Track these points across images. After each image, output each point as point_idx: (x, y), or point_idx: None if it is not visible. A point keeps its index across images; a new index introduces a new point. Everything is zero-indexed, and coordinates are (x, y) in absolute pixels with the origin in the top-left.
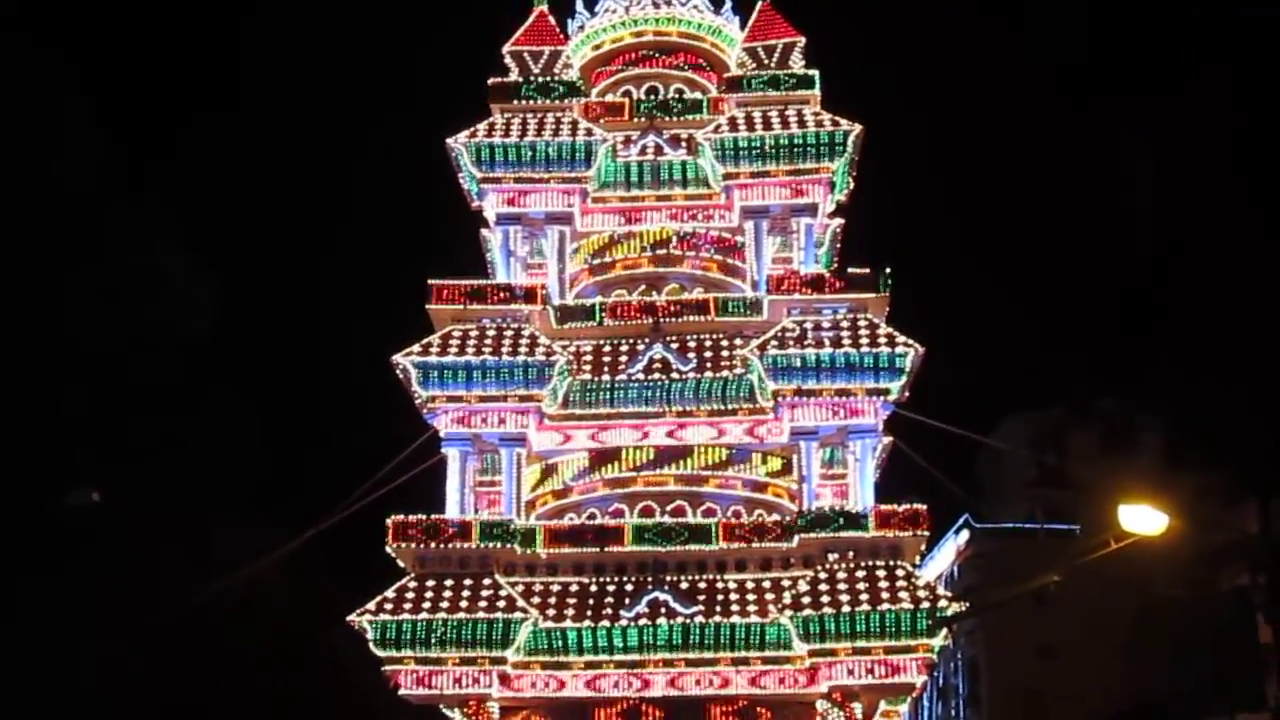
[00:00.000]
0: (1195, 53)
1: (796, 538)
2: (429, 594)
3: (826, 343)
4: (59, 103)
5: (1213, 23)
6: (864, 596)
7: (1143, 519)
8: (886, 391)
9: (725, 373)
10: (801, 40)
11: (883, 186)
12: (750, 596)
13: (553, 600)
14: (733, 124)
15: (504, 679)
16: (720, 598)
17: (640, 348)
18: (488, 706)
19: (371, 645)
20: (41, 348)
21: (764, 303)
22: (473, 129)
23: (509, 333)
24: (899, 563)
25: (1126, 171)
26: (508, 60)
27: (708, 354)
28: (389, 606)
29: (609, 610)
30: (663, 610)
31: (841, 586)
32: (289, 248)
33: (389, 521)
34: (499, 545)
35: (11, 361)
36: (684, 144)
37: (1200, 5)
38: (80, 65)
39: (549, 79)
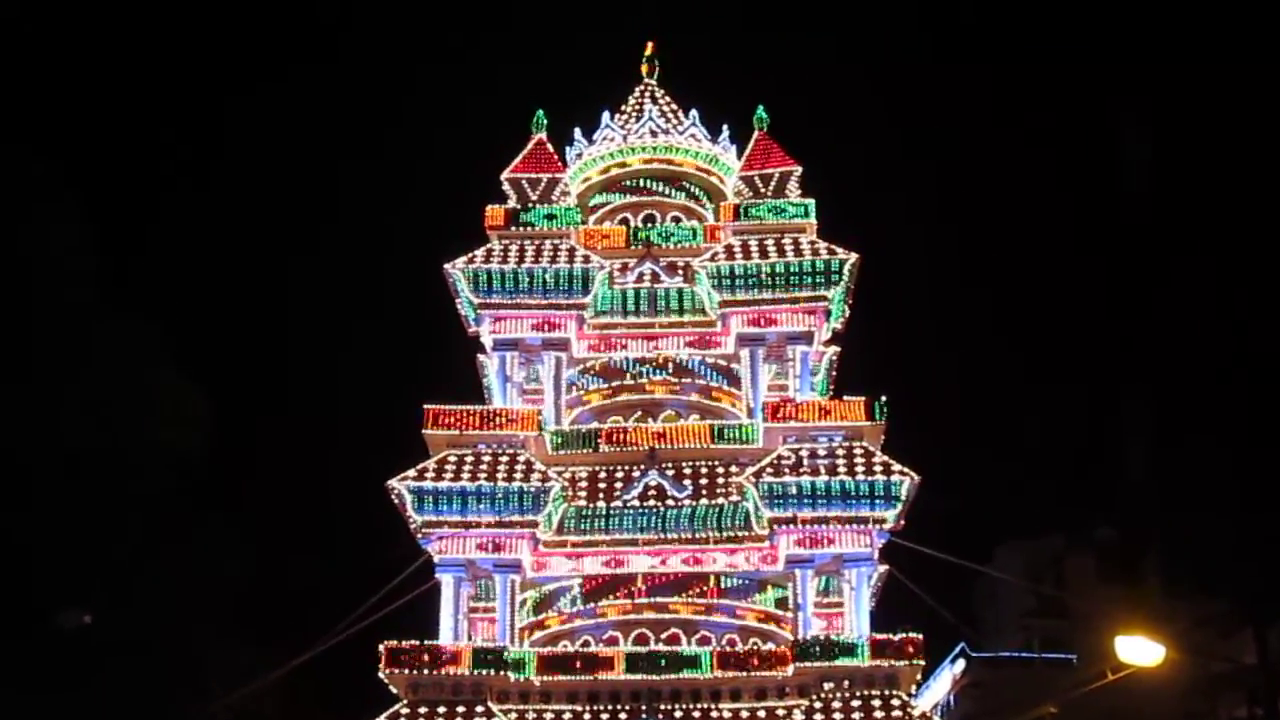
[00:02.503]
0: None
1: (792, 667)
2: None
3: (822, 471)
4: (51, 217)
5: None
6: None
7: (1139, 650)
8: (882, 520)
9: (721, 500)
10: (798, 169)
11: (879, 314)
12: None
13: None
14: (729, 252)
15: None
16: None
17: (636, 474)
18: None
19: None
20: (29, 460)
21: (760, 430)
22: (470, 255)
23: (505, 458)
24: (895, 692)
25: (1122, 318)
26: (506, 187)
27: (703, 481)
28: None
29: None
30: None
31: (837, 716)
32: (285, 372)
33: (382, 647)
34: (492, 672)
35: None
36: (680, 271)
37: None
38: (76, 183)
39: (547, 206)
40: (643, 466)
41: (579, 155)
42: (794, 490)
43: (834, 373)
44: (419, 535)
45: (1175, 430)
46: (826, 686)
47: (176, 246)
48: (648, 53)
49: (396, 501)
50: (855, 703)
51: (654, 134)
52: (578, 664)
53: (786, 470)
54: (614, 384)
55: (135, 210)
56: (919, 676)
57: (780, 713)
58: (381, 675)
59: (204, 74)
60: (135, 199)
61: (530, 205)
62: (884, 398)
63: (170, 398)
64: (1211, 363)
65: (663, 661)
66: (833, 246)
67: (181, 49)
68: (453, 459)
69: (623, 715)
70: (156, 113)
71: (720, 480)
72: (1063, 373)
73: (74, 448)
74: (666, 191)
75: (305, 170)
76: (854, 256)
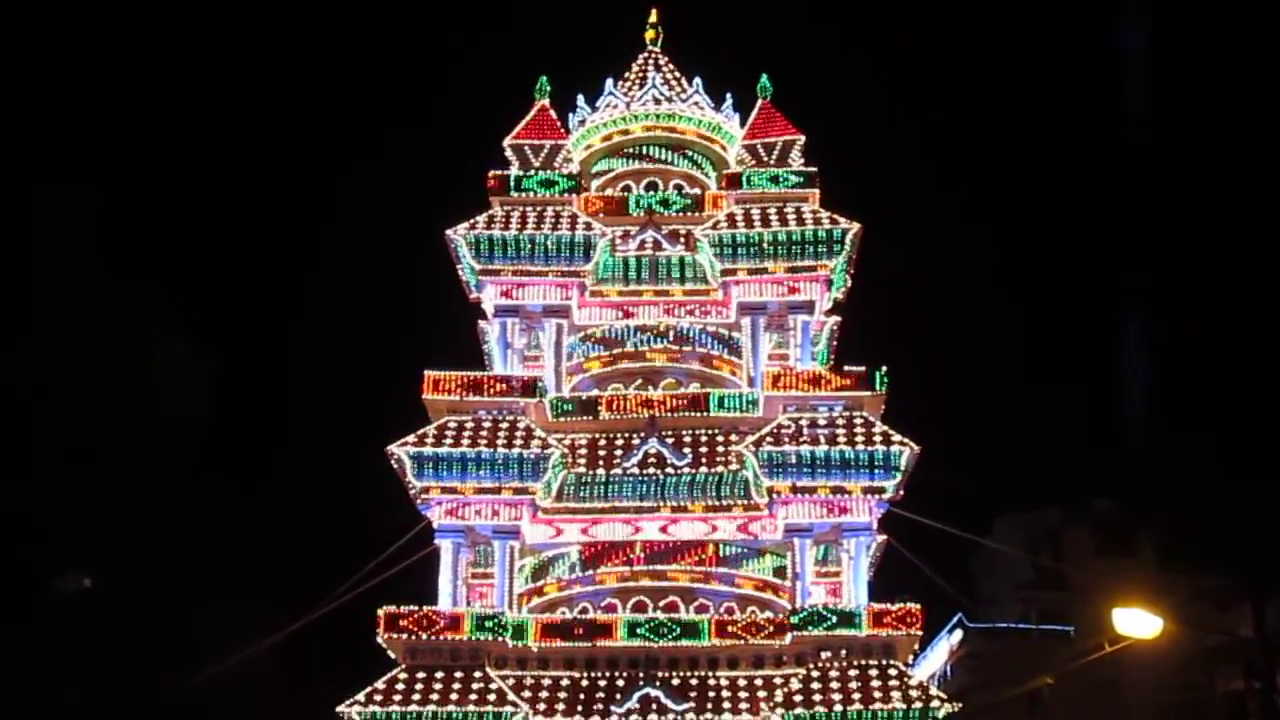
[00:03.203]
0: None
1: (789, 635)
2: (419, 686)
3: (822, 440)
4: (58, 187)
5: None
6: (856, 696)
7: (1137, 622)
8: (881, 490)
9: (720, 469)
10: (801, 138)
11: (881, 284)
12: (742, 694)
13: (544, 694)
14: (731, 220)
15: None
16: (712, 695)
17: (636, 442)
18: None
19: None
20: (34, 431)
21: (760, 399)
22: (472, 221)
23: (505, 425)
24: (892, 662)
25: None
26: (508, 153)
27: (703, 449)
28: (378, 698)
29: (600, 706)
30: (654, 706)
31: (834, 685)
32: (286, 337)
33: (380, 612)
34: (491, 638)
35: (4, 443)
36: (682, 240)
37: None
38: (80, 153)
39: (549, 172)
40: (643, 434)
41: (582, 122)
42: (793, 459)
43: (835, 343)
44: (418, 501)
45: (1174, 404)
46: (824, 655)
47: (179, 214)
48: (651, 19)
49: (396, 467)
50: (852, 672)
51: (657, 101)
52: (577, 630)
53: (786, 439)
54: (614, 352)
55: (138, 177)
56: (916, 647)
57: (777, 681)
58: (380, 640)
59: (211, 38)
60: (138, 166)
61: (533, 171)
62: (884, 368)
63: (172, 367)
64: (1211, 336)
65: (662, 629)
66: (835, 216)
67: (187, 13)
68: (453, 425)
69: (620, 682)
70: (162, 79)
71: (720, 448)
72: (1063, 348)
73: (76, 416)
74: (669, 159)
75: (311, 138)
76: (856, 226)
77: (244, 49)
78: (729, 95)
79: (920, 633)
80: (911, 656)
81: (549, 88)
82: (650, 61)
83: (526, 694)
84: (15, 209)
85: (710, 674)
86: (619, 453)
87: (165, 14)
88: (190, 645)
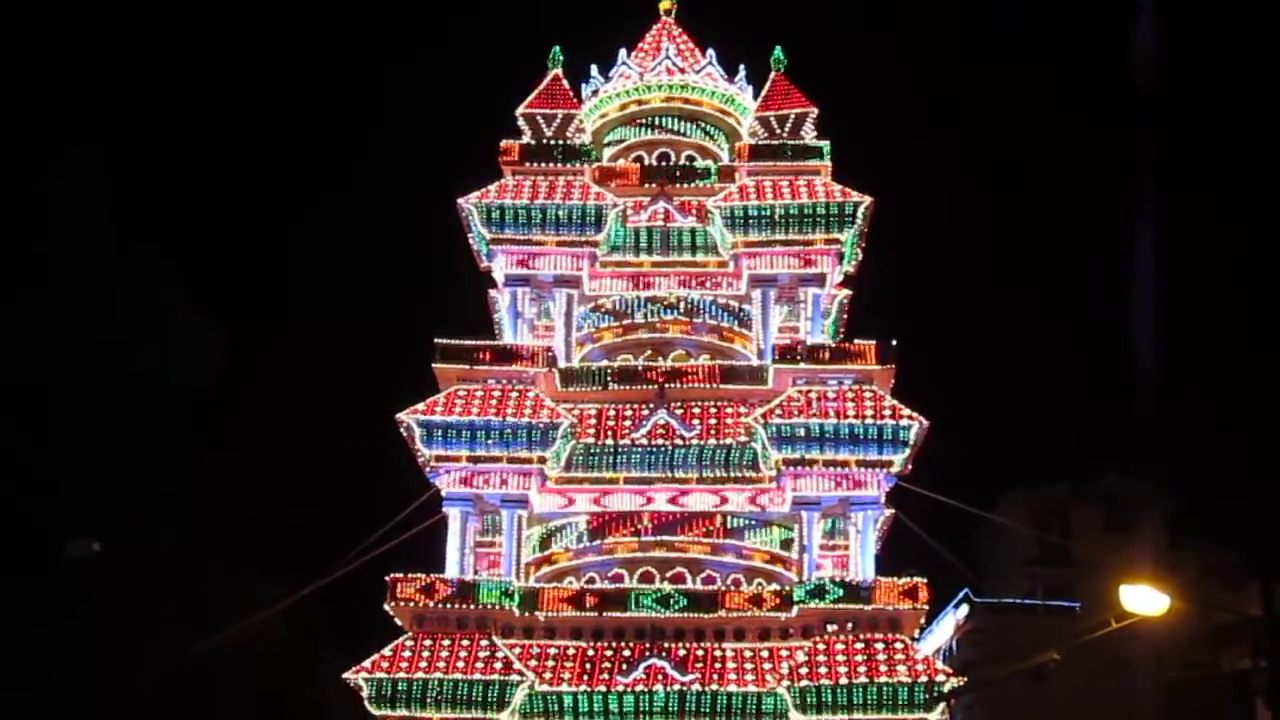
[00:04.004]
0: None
1: (796, 608)
2: (425, 653)
3: (831, 413)
4: (67, 150)
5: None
6: (862, 669)
7: (1144, 599)
8: (889, 464)
9: (729, 440)
10: (814, 111)
11: (891, 259)
12: (748, 666)
13: (550, 664)
14: (743, 192)
15: None
16: (718, 666)
17: (645, 413)
18: None
19: (366, 703)
20: (43, 395)
21: (769, 371)
22: (483, 190)
23: (514, 394)
24: (898, 635)
25: (1130, 255)
26: (521, 122)
27: (712, 421)
28: (385, 665)
29: (606, 675)
30: (660, 677)
31: (840, 658)
32: (296, 305)
33: (388, 579)
34: (497, 606)
35: (13, 408)
36: (694, 211)
37: None
38: (92, 115)
39: (561, 142)
40: (652, 405)
41: (595, 92)
42: (802, 432)
43: (845, 316)
44: (427, 469)
45: (1185, 381)
46: (830, 628)
47: (191, 180)
48: None
49: (405, 435)
50: (858, 645)
51: (670, 71)
52: (584, 600)
53: (795, 412)
54: (624, 322)
55: (150, 143)
56: (922, 621)
57: (783, 653)
58: (387, 608)
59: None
60: (150, 132)
61: (545, 141)
62: (894, 341)
63: (184, 332)
64: (1220, 313)
65: (669, 600)
66: (846, 189)
67: None
68: (462, 393)
69: (627, 652)
70: (172, 43)
71: (729, 421)
72: (1073, 324)
73: (87, 381)
74: (682, 129)
75: (321, 105)
76: (868, 199)
77: (257, 11)
78: (742, 67)
79: (926, 607)
80: (917, 631)
81: (562, 57)
82: (664, 32)
83: (532, 663)
84: (24, 169)
85: (717, 645)
86: (627, 423)
87: None
88: (198, 612)
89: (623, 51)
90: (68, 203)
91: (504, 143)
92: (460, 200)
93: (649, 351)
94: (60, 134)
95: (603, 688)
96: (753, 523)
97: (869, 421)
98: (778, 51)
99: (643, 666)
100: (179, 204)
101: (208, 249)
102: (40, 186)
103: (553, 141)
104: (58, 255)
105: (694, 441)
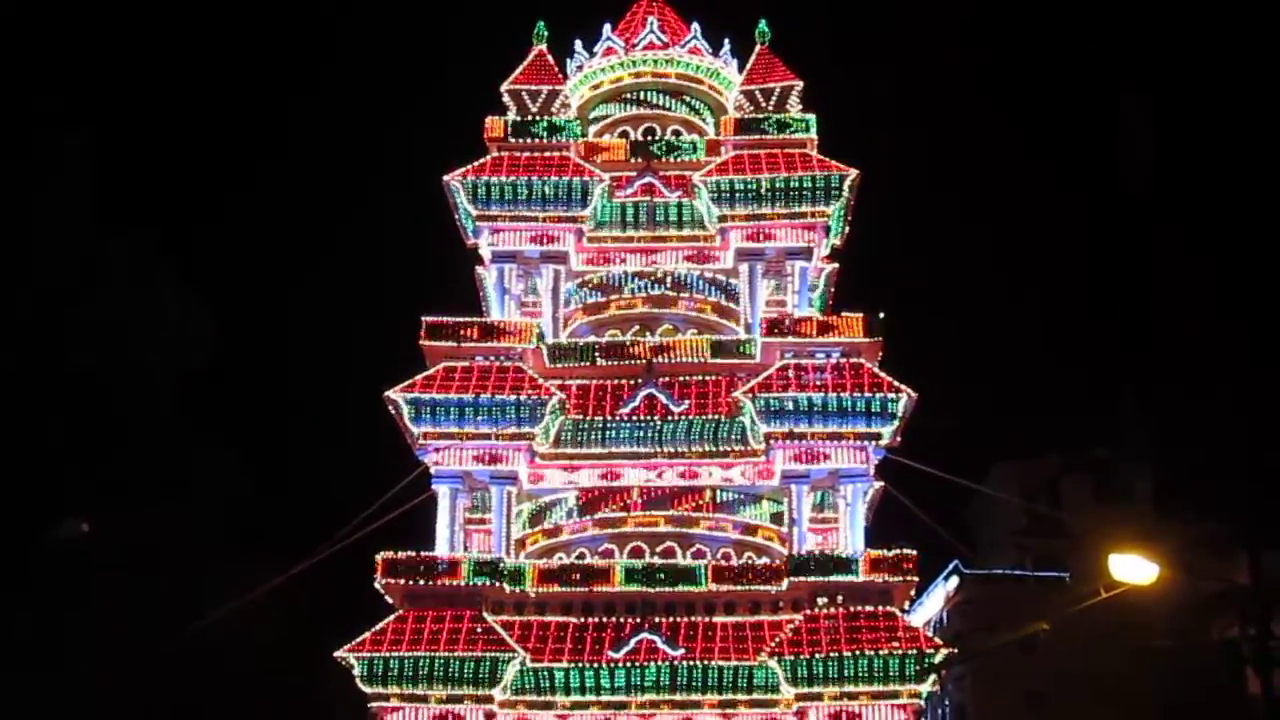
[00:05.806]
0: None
1: (786, 581)
2: (417, 630)
3: (819, 387)
4: (59, 135)
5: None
6: (852, 641)
7: (1133, 568)
8: (878, 436)
9: (717, 415)
10: (799, 84)
11: (878, 231)
12: (739, 639)
13: (541, 639)
14: (729, 166)
15: (489, 718)
16: (708, 639)
17: (633, 388)
18: None
19: (358, 680)
20: (34, 379)
21: (757, 345)
22: (469, 167)
23: (502, 371)
24: (888, 607)
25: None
26: (506, 99)
27: (700, 395)
28: (376, 643)
29: (597, 650)
30: (651, 651)
31: (830, 630)
32: (285, 282)
33: (378, 558)
34: (488, 583)
35: (6, 392)
36: (680, 185)
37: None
38: (84, 102)
39: (547, 118)
40: (640, 380)
41: (580, 68)
42: (791, 405)
43: (832, 289)
44: (416, 447)
45: (1173, 354)
46: (820, 601)
47: (180, 164)
48: None
49: (394, 413)
50: (849, 618)
51: (654, 46)
52: (574, 576)
53: (784, 385)
54: (612, 297)
55: (139, 127)
56: (912, 592)
57: (774, 626)
58: (378, 585)
59: None
60: (139, 115)
61: (531, 117)
62: (882, 314)
63: (175, 317)
64: (1210, 288)
65: (659, 574)
66: (833, 162)
67: None
68: (449, 370)
69: (617, 627)
70: (161, 27)
71: (717, 395)
72: (1062, 298)
73: (79, 366)
74: (667, 104)
75: (309, 85)
76: (854, 172)
77: None
78: (726, 41)
79: (916, 579)
80: (908, 602)
81: (546, 33)
82: (648, 6)
83: (524, 639)
84: (12, 154)
85: (707, 619)
86: (616, 399)
87: None
88: (190, 591)
89: (607, 26)
90: (55, 186)
91: (489, 119)
92: (446, 177)
93: (637, 326)
94: (46, 118)
95: (594, 662)
96: (742, 496)
97: (857, 394)
98: (762, 24)
99: (633, 641)
100: (168, 188)
101: (197, 229)
102: (27, 171)
103: (538, 118)
104: (47, 241)
105: (682, 416)
